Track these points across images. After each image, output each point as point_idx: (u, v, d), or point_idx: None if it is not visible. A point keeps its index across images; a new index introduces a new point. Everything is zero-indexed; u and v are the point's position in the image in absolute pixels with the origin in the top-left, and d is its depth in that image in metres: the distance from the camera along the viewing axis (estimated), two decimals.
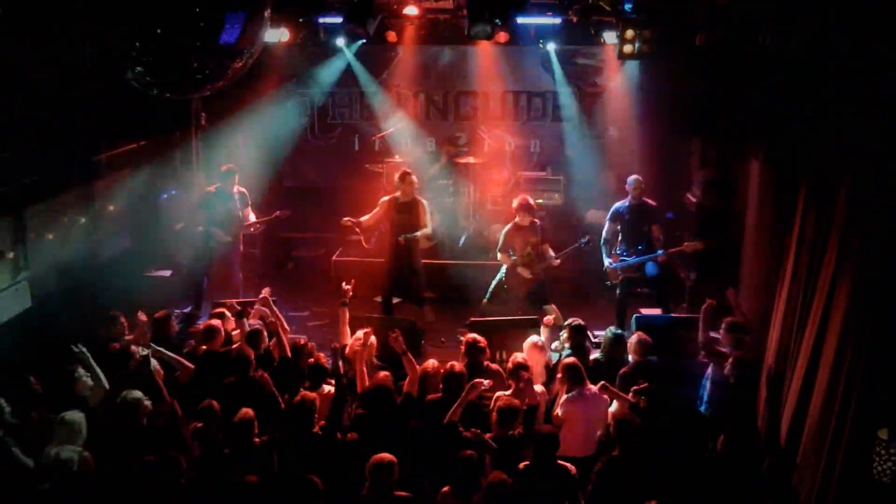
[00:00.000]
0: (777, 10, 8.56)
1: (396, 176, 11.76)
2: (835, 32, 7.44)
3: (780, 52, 8.56)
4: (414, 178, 11.67)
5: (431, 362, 8.59)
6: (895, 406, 6.55)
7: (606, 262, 11.67)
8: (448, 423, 7.61)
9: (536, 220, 11.41)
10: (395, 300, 12.14)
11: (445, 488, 6.91)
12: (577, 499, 7.18)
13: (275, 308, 9.51)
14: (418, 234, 11.69)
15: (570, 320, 9.65)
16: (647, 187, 11.72)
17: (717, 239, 12.18)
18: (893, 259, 6.52)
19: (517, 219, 11.34)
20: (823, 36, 7.65)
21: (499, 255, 11.46)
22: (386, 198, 11.84)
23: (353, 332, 9.24)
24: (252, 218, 12.20)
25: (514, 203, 11.44)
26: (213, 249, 11.85)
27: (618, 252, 11.60)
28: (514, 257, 11.25)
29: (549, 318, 9.65)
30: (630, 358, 8.96)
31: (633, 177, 11.69)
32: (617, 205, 11.73)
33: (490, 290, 11.56)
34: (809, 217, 8.16)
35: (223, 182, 11.94)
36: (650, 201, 11.63)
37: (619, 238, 11.68)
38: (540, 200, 13.73)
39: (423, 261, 12.48)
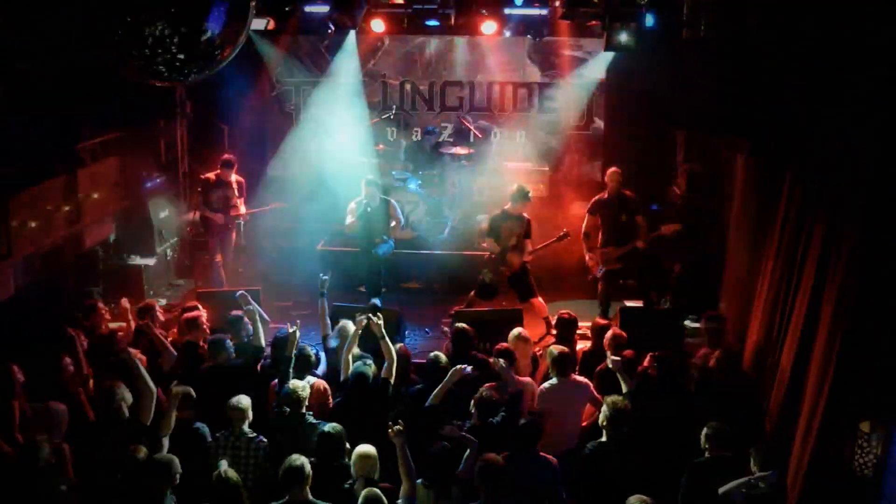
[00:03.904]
0: (763, 4, 8.58)
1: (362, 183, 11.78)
2: (819, 26, 7.47)
3: (765, 46, 8.59)
4: (372, 183, 11.67)
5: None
6: (877, 399, 6.60)
7: (587, 257, 11.70)
8: (429, 408, 7.62)
9: (525, 215, 11.40)
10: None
11: (418, 480, 6.92)
12: (558, 490, 7.20)
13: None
14: (390, 246, 11.87)
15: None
16: (633, 179, 11.77)
17: (698, 227, 12.25)
18: (877, 250, 6.56)
19: (508, 206, 11.34)
20: (808, 30, 7.68)
21: (485, 240, 11.48)
22: (353, 204, 11.76)
23: (334, 322, 9.28)
24: (243, 209, 12.61)
25: (513, 187, 11.44)
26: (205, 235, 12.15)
27: (598, 246, 11.64)
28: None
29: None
30: (607, 354, 8.92)
31: (611, 169, 11.76)
32: (597, 197, 11.80)
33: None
34: (793, 210, 8.20)
35: (222, 170, 12.36)
36: (628, 192, 11.69)
37: (600, 231, 11.72)
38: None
39: (407, 251, 12.93)
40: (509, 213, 11.31)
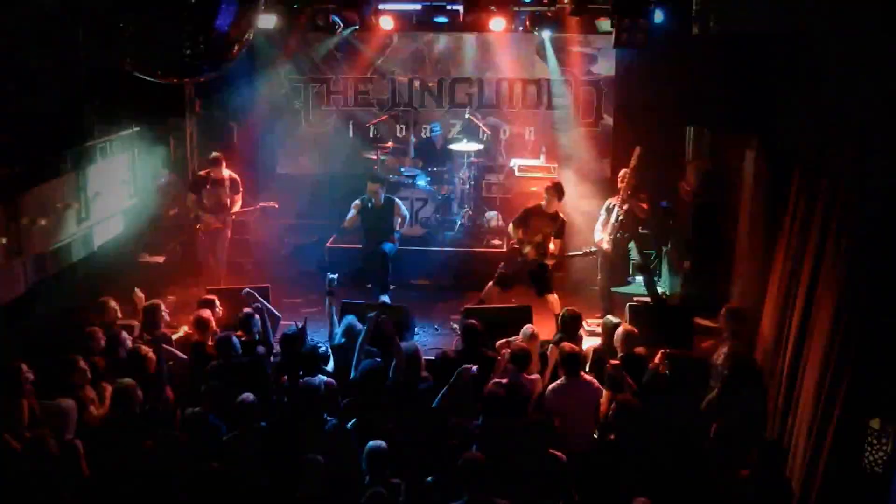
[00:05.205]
0: (772, 1, 8.56)
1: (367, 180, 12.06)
2: (829, 22, 7.45)
3: (774, 42, 8.57)
4: (375, 180, 11.97)
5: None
6: (887, 396, 6.57)
7: (598, 236, 11.69)
8: (437, 408, 7.63)
9: (561, 214, 11.39)
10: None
11: (430, 478, 6.91)
12: (567, 487, 7.19)
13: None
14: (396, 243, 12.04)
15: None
16: (642, 176, 11.77)
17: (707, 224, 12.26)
18: (881, 248, 6.54)
19: (543, 202, 11.35)
20: (818, 26, 7.65)
21: (510, 228, 11.51)
22: (358, 201, 11.99)
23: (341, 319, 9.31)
24: (237, 207, 12.48)
25: (548, 184, 11.50)
26: (199, 235, 12.06)
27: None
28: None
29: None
30: (618, 351, 8.88)
31: (623, 171, 11.76)
32: (610, 200, 11.79)
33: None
34: (801, 207, 8.18)
35: (211, 168, 12.27)
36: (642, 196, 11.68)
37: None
38: (534, 188, 13.75)
39: (416, 248, 13.11)
40: (543, 209, 11.30)
